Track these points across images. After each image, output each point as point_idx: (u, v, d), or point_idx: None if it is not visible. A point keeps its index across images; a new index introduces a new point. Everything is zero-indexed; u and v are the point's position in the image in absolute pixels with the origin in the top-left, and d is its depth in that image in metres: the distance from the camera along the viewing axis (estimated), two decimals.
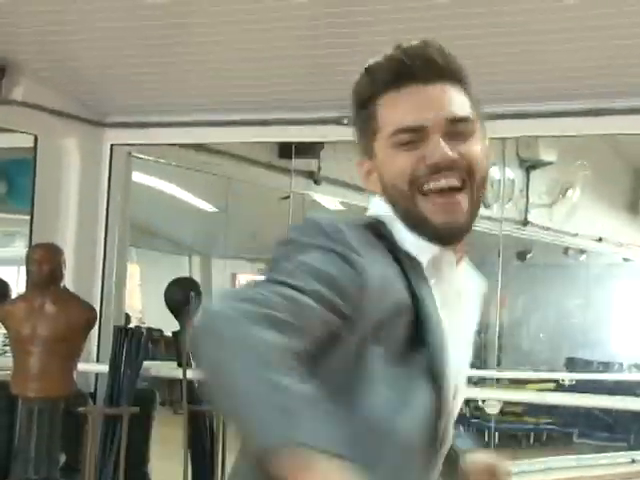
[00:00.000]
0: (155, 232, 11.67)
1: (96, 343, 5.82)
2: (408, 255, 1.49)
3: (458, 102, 1.50)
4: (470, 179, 1.49)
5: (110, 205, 5.88)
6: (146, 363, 5.65)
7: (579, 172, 9.65)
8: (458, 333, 1.53)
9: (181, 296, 5.66)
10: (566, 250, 11.66)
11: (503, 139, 8.12)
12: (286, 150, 7.13)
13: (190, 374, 5.77)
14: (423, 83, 1.50)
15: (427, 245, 1.50)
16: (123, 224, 6.04)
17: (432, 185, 1.48)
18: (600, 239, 11.37)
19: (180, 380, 5.74)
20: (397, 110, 1.49)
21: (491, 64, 4.52)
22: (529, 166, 8.98)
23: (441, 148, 1.46)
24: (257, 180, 7.81)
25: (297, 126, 5.41)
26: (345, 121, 5.16)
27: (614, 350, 13.33)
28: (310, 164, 7.51)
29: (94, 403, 5.59)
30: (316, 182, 7.65)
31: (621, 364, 12.66)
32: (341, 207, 9.58)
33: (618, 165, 11.16)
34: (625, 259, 13.43)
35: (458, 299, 1.55)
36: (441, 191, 1.48)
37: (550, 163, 8.98)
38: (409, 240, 1.51)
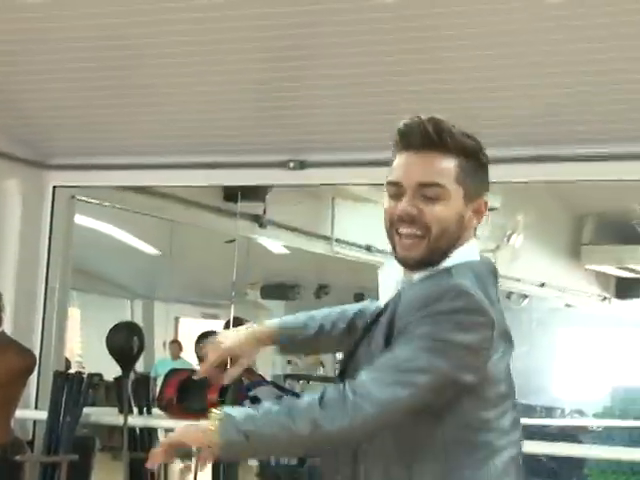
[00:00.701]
0: (97, 275, 11.55)
1: (35, 389, 5.70)
2: None
3: (435, 170, 2.01)
4: (427, 232, 2.00)
5: (52, 248, 5.79)
6: (86, 409, 5.55)
7: (522, 218, 9.77)
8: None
9: (124, 341, 5.59)
10: (509, 295, 11.77)
11: None
12: (231, 193, 7.12)
13: (131, 420, 5.68)
14: (415, 151, 2.02)
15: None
16: (65, 268, 5.95)
17: (399, 230, 2.03)
18: (543, 284, 11.51)
19: (120, 426, 5.65)
20: (394, 167, 2.06)
21: (433, 110, 4.56)
22: None
23: (404, 205, 2.01)
24: (202, 223, 7.78)
25: (243, 169, 5.40)
26: (291, 165, 5.18)
27: (556, 395, 13.44)
28: (255, 207, 7.50)
29: (32, 451, 5.47)
30: (261, 225, 7.65)
31: (563, 409, 12.77)
32: (285, 251, 9.58)
33: (560, 212, 11.33)
34: (567, 305, 13.61)
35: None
36: (405, 234, 2.03)
37: (494, 209, 9.07)
38: None
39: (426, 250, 2.00)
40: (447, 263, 2.02)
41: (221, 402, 5.49)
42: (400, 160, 2.04)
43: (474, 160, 2.06)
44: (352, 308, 2.32)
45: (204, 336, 6.88)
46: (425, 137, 2.00)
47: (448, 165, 2.01)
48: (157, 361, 11.97)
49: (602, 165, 4.78)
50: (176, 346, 12.84)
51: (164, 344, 13.13)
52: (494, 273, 2.10)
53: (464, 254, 2.04)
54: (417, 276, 2.04)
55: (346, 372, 2.06)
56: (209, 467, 7.09)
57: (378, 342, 1.99)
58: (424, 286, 1.98)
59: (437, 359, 1.88)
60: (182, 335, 14.59)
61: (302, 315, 2.31)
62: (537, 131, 4.72)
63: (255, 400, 5.30)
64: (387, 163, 3.76)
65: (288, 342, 2.29)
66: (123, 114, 5.11)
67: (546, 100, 4.41)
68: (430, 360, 1.87)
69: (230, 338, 2.26)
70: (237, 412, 1.93)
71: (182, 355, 12.52)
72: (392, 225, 2.04)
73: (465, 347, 1.90)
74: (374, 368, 1.90)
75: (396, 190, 2.03)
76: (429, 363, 1.87)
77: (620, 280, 13.02)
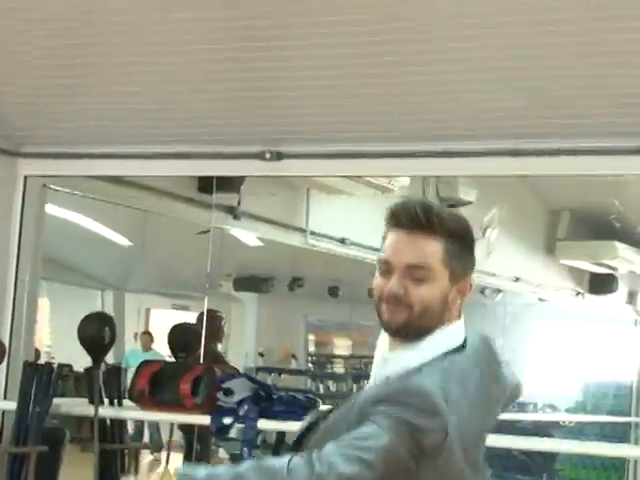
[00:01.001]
0: (67, 265, 11.49)
1: (4, 379, 5.69)
2: None
3: (423, 252, 2.17)
4: (409, 309, 2.17)
5: (22, 238, 5.77)
6: (56, 400, 5.55)
7: (498, 212, 9.82)
8: None
9: (95, 331, 5.59)
10: (483, 290, 11.83)
11: (424, 177, 8.24)
12: (206, 184, 7.11)
13: (102, 412, 5.68)
14: (406, 231, 2.18)
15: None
16: (35, 257, 5.93)
17: (386, 305, 2.19)
18: (517, 279, 11.56)
19: (90, 417, 5.65)
20: (385, 245, 2.22)
21: (411, 102, 4.59)
22: (449, 205, 9.10)
23: (392, 285, 2.18)
24: (175, 214, 7.76)
25: (218, 160, 5.40)
26: (267, 156, 5.19)
27: (529, 390, 13.52)
28: (230, 199, 7.49)
29: (0, 442, 5.46)
30: (236, 217, 7.64)
31: (535, 404, 12.85)
32: (259, 243, 9.58)
33: (536, 206, 11.39)
34: (541, 299, 13.68)
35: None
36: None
37: (469, 202, 9.11)
38: None
39: (408, 319, 2.19)
40: (426, 349, 2.18)
41: (194, 394, 5.50)
42: (391, 239, 2.22)
43: (460, 242, 2.21)
44: None
45: (177, 328, 6.89)
46: (414, 219, 2.17)
47: (435, 247, 2.18)
48: (127, 352, 11.94)
49: (578, 159, 4.82)
50: (147, 337, 12.82)
51: (135, 335, 13.11)
52: (488, 355, 2.26)
53: (445, 338, 2.21)
54: (392, 372, 2.17)
55: (303, 442, 2.23)
56: (180, 459, 7.10)
57: (341, 422, 2.15)
58: (393, 382, 2.13)
59: (395, 443, 2.02)
60: (153, 326, 14.56)
61: None
62: (514, 124, 4.75)
63: (228, 392, 5.31)
64: (365, 155, 3.84)
65: None
66: (96, 102, 5.10)
67: (524, 93, 4.44)
68: (390, 443, 2.02)
69: None
70: (200, 473, 2.08)
71: (153, 346, 12.51)
72: (380, 300, 2.22)
73: (417, 442, 2.04)
74: (340, 443, 2.04)
75: (386, 268, 2.21)
76: (390, 445, 2.02)
77: (594, 276, 13.11)
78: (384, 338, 2.29)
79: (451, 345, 2.20)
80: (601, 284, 13.14)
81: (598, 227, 11.55)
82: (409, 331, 2.20)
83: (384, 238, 2.25)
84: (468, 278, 2.25)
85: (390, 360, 2.23)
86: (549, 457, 9.53)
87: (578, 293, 13.38)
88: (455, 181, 8.68)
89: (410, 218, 2.18)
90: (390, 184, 7.84)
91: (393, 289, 2.18)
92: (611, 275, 12.80)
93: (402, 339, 2.23)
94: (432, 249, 2.18)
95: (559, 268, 12.54)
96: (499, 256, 10.14)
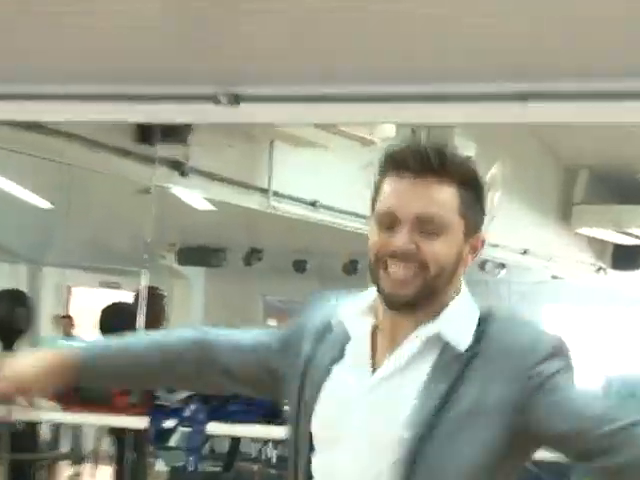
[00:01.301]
0: None
1: None
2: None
3: (435, 201, 2.18)
4: (423, 270, 2.17)
5: None
6: None
7: (502, 171, 9.89)
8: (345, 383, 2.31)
9: (5, 312, 5.62)
10: (483, 264, 11.92)
11: (413, 127, 8.27)
12: (147, 133, 7.12)
13: (13, 413, 5.71)
14: (414, 175, 2.17)
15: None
16: None
17: (389, 267, 2.17)
18: (525, 252, 11.67)
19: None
20: (386, 193, 2.22)
21: (398, 35, 4.62)
22: None
23: (400, 238, 2.16)
24: (108, 169, 7.77)
25: (161, 103, 5.40)
26: (222, 99, 5.20)
27: None
28: (175, 151, 7.52)
29: None
30: (182, 174, 7.66)
31: None
32: (210, 206, 9.61)
33: (548, 163, 11.48)
34: (554, 276, 13.81)
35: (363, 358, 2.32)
36: (395, 272, 2.17)
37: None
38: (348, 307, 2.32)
39: (420, 289, 2.19)
40: (458, 307, 2.21)
41: (127, 391, 5.53)
42: (391, 186, 2.21)
43: (475, 190, 2.25)
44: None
45: (111, 308, 6.93)
46: (425, 162, 2.18)
47: (450, 195, 2.21)
48: (44, 339, 11.98)
49: (600, 105, 4.85)
50: (68, 322, 12.87)
51: (53, 319, 13.15)
52: None
53: (467, 300, 2.27)
54: (455, 330, 2.19)
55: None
56: (108, 472, 7.17)
57: (491, 407, 2.21)
58: (523, 336, 2.25)
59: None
60: (75, 308, 14.60)
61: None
62: (522, 62, 4.78)
63: (170, 388, 5.35)
64: (341, 99, 3.89)
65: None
66: (9, 31, 5.08)
67: (534, 24, 4.48)
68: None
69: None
70: None
71: (75, 332, 12.55)
72: (379, 260, 2.22)
73: None
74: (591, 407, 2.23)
75: (388, 221, 2.20)
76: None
77: (618, 247, 13.24)
78: (365, 318, 2.27)
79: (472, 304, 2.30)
80: (627, 257, 13.29)
81: (623, 188, 11.67)
82: (420, 300, 2.20)
83: (378, 186, 2.24)
84: (480, 232, 2.29)
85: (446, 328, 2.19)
86: (564, 469, 9.66)
87: (599, 268, 13.54)
88: (450, 131, 8.71)
89: (420, 161, 2.17)
90: (371, 135, 7.89)
91: (402, 245, 2.17)
92: (638, 247, 12.95)
93: (411, 313, 2.21)
94: (446, 197, 2.19)
95: (576, 238, 12.68)
96: (503, 224, 10.21)
